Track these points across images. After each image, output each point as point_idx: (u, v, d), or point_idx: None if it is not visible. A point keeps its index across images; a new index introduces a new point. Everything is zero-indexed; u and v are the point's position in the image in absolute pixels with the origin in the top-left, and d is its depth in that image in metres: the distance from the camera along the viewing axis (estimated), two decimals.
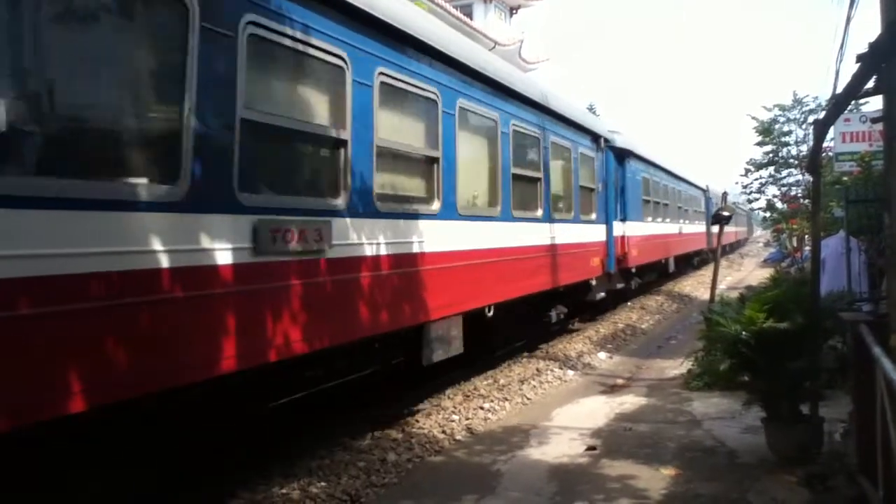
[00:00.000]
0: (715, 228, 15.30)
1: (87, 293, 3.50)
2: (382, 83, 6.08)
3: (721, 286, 15.62)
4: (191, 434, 4.85)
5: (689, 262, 27.76)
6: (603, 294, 13.20)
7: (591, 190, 12.42)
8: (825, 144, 9.66)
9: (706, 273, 25.52)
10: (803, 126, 21.62)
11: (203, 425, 4.92)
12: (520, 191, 9.10)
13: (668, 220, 20.67)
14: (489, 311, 8.11)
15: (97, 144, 3.82)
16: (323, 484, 5.29)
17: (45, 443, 3.73)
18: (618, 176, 14.60)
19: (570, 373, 9.63)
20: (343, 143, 5.55)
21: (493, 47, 26.84)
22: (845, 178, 12.17)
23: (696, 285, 23.05)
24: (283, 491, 5.14)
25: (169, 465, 4.68)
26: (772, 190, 24.13)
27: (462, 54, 7.52)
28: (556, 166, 10.66)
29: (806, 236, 20.09)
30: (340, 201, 5.48)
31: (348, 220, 5.54)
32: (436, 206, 6.96)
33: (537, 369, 9.48)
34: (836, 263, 8.21)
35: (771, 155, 23.13)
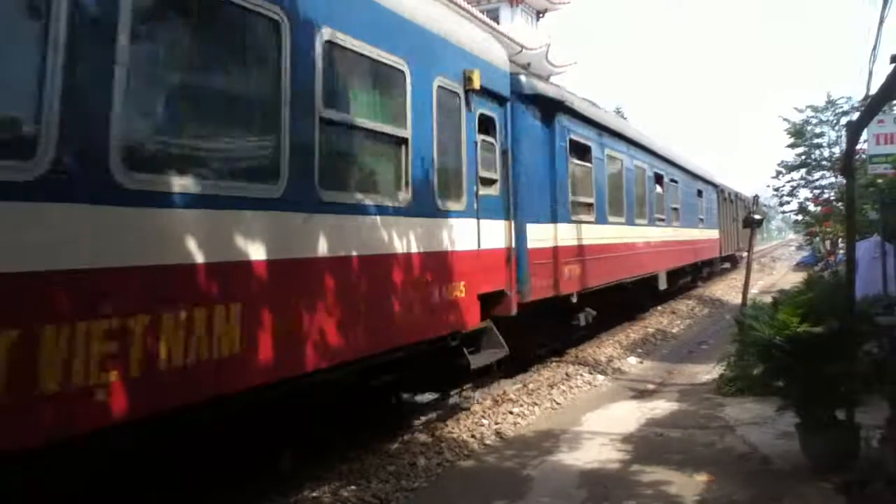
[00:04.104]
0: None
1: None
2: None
3: (753, 290, 15.43)
4: None
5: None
6: (720, 267, 26.77)
7: (708, 209, 23.25)
8: (858, 146, 9.52)
9: (738, 277, 25.23)
10: (836, 128, 21.32)
11: None
12: (695, 214, 20.39)
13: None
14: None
15: None
16: (353, 487, 5.32)
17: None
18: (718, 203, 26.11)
19: (600, 377, 9.58)
20: None
21: (520, 51, 26.85)
22: (880, 181, 11.95)
23: (726, 289, 22.80)
24: (315, 494, 5.19)
25: (201, 469, 4.74)
26: (804, 192, 23.84)
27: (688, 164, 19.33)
28: (709, 202, 22.36)
29: (840, 240, 19.77)
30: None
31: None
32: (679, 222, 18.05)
33: (567, 374, 9.44)
34: (866, 268, 8.06)
35: (803, 157, 22.84)
